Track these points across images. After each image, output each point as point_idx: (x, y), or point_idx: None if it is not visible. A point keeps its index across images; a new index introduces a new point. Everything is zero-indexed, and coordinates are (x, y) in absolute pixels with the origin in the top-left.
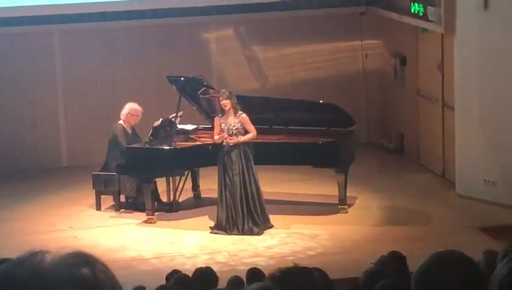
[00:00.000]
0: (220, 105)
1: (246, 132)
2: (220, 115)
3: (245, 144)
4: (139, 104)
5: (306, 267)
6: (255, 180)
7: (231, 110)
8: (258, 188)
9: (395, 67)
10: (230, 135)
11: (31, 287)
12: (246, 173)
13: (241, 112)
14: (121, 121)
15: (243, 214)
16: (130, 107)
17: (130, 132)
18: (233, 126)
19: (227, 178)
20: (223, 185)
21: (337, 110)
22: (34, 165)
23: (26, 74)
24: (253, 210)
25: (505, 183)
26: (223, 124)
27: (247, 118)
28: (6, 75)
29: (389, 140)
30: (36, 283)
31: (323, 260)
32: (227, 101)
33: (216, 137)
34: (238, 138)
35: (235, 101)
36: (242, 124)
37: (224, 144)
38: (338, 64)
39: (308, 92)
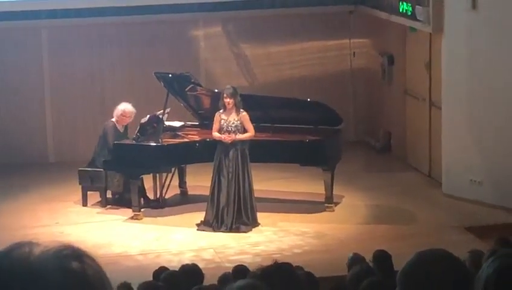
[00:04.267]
0: (223, 101)
1: (245, 130)
2: (221, 110)
3: (243, 142)
4: (129, 103)
5: (287, 264)
6: (249, 180)
7: (234, 107)
8: (251, 189)
9: (382, 66)
10: (228, 132)
11: (19, 276)
12: (240, 172)
13: (242, 110)
14: (113, 119)
15: (233, 213)
16: (124, 109)
17: (122, 130)
18: (233, 123)
19: (221, 176)
20: (216, 183)
21: (324, 108)
22: (21, 161)
23: (13, 70)
24: (243, 210)
25: (491, 183)
26: (222, 120)
27: (247, 116)
28: None
29: (376, 139)
30: (24, 272)
31: (309, 258)
32: (230, 100)
33: (215, 134)
34: (236, 135)
35: (239, 99)
36: (241, 122)
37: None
38: (326, 62)
39: (295, 90)
